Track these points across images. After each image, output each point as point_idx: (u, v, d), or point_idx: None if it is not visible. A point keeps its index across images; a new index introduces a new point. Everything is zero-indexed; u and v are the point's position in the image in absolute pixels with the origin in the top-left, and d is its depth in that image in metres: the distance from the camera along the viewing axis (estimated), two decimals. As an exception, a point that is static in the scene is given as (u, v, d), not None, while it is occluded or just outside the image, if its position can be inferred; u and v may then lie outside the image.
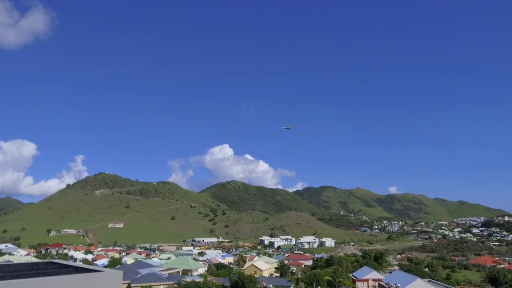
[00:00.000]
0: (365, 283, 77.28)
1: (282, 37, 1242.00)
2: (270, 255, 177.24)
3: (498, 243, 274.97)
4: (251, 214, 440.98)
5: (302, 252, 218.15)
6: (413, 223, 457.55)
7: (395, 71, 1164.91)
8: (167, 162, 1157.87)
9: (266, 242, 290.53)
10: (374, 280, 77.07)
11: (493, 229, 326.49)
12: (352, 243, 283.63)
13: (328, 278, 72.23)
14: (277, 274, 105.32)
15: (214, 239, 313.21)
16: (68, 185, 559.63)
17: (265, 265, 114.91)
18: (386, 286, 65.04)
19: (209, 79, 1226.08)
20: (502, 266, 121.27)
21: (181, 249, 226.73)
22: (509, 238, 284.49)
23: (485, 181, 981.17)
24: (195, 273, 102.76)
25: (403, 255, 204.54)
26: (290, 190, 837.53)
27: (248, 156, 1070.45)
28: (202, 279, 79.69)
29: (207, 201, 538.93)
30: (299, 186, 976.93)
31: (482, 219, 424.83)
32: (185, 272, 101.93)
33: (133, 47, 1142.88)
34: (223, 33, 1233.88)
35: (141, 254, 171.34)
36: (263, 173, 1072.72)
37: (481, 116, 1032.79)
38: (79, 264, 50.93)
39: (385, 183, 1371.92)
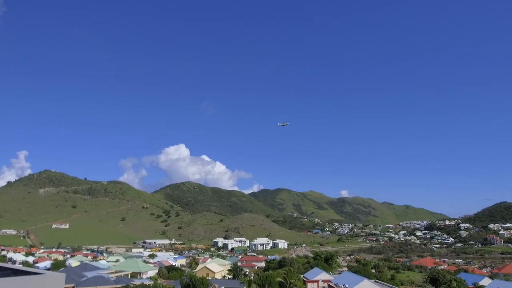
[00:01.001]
0: (315, 284, 79.01)
1: (246, 38, 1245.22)
2: (223, 257, 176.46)
3: (439, 245, 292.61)
4: (206, 215, 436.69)
5: (256, 254, 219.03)
6: (362, 225, 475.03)
7: (344, 77, 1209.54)
8: (118, 160, 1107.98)
9: (220, 244, 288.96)
10: (324, 281, 78.99)
11: (435, 232, 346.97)
12: (304, 245, 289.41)
13: (280, 279, 72.95)
14: (230, 276, 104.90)
15: (167, 241, 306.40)
16: (8, 183, 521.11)
17: (218, 267, 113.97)
18: (335, 286, 66.90)
19: (167, 75, 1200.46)
20: (442, 267, 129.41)
21: (131, 251, 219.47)
22: (449, 241, 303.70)
23: (429, 187, 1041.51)
24: (144, 276, 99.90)
25: (352, 256, 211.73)
26: (246, 192, 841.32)
27: (205, 157, 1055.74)
28: (152, 282, 77.61)
29: (160, 202, 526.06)
30: (255, 188, 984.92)
31: (425, 222, 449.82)
32: (134, 275, 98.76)
33: (86, 37, 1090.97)
34: (185, 28, 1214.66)
35: (87, 256, 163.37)
36: (219, 175, 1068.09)
37: (425, 126, 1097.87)
38: (18, 266, 47.43)
39: (337, 187, 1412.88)
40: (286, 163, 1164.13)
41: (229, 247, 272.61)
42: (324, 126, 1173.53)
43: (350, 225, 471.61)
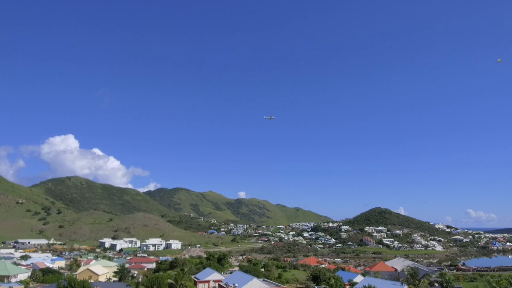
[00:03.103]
0: (206, 284, 78.55)
1: (148, 26, 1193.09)
2: (110, 259, 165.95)
3: (322, 246, 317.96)
4: (93, 214, 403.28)
5: (147, 255, 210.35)
6: (256, 226, 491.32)
7: (246, 81, 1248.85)
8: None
9: (107, 245, 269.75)
10: (215, 281, 79.03)
11: (320, 233, 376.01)
12: (198, 246, 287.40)
13: (170, 281, 70.37)
14: (116, 279, 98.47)
15: (44, 241, 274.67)
16: None
17: (102, 269, 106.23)
18: (225, 286, 67.21)
19: (58, 60, 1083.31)
20: (323, 265, 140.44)
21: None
22: (331, 242, 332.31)
23: (317, 191, 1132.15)
24: (14, 280, 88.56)
25: (244, 256, 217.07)
26: (141, 190, 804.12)
27: (97, 151, 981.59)
28: (23, 286, 68.89)
29: (39, 197, 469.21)
30: (152, 187, 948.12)
31: (312, 224, 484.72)
32: (2, 279, 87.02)
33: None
34: (86, 16, 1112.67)
35: None
36: (112, 171, 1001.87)
37: (313, 134, 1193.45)
38: None
39: (236, 188, 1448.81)
40: (186, 162, 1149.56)
41: (117, 248, 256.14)
42: (225, 128, 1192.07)
43: (245, 225, 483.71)
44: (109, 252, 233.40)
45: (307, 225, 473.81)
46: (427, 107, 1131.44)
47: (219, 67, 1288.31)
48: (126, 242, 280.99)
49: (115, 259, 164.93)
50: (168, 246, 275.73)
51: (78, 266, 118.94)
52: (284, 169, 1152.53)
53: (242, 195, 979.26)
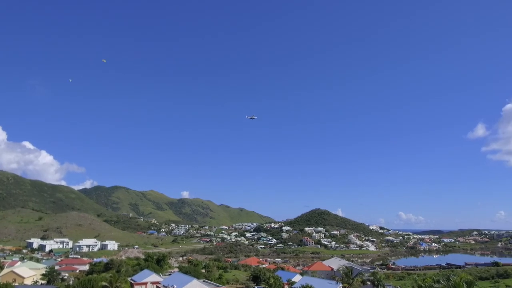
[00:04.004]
0: (143, 286, 75.95)
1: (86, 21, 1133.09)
2: (38, 260, 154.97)
3: (264, 246, 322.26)
4: (21, 212, 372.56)
5: (79, 256, 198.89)
6: (198, 226, 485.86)
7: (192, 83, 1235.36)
8: None
9: (36, 245, 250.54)
10: (153, 283, 76.62)
11: (262, 234, 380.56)
12: (136, 246, 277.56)
13: (104, 283, 66.93)
14: (44, 282, 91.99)
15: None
16: None
17: (28, 272, 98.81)
18: (164, 288, 65.37)
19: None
20: (264, 265, 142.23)
21: None
22: (272, 242, 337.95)
23: (260, 192, 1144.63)
24: None
25: (185, 257, 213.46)
26: (76, 187, 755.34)
27: (27, 144, 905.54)
28: None
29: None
30: (88, 184, 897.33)
31: (255, 224, 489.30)
32: None
33: None
34: None
35: None
36: (44, 166, 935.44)
37: (256, 137, 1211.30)
38: None
39: (179, 188, 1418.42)
40: (126, 159, 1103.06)
41: (47, 249, 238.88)
42: (168, 126, 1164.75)
43: (187, 226, 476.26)
44: (38, 253, 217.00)
45: (250, 226, 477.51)
46: (364, 112, 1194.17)
47: (160, 65, 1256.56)
48: (57, 242, 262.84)
49: (43, 261, 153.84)
50: (103, 247, 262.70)
51: (2, 268, 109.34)
52: (228, 169, 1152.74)
53: (185, 194, 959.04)
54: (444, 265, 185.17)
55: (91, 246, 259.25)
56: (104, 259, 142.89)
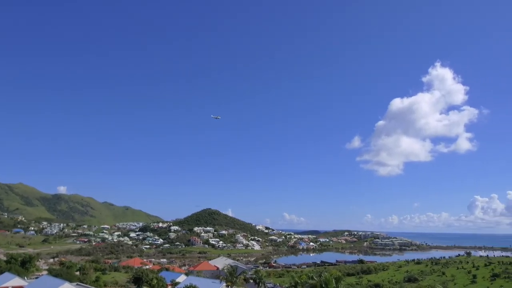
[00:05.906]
0: (2, 291, 66.46)
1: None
2: None
3: (149, 246, 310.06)
4: None
5: None
6: (75, 225, 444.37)
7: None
8: None
9: None
10: (15, 287, 68.00)
11: (148, 233, 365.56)
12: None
13: None
14: None
15: None
16: None
17: None
18: (28, 293, 58.02)
19: None
20: (147, 266, 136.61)
21: None
22: (159, 242, 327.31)
23: (148, 189, 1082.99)
24: None
25: (56, 259, 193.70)
26: None
27: None
28: None
29: None
30: None
31: (141, 224, 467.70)
32: None
33: None
34: None
35: None
36: None
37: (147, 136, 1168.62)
38: None
39: (55, 182, 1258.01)
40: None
41: None
42: (46, 115, 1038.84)
43: (62, 224, 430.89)
44: None
45: (135, 225, 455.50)
46: (255, 125, 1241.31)
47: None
48: None
49: None
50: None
51: None
52: (113, 164, 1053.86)
53: (62, 190, 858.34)
54: (319, 262, 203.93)
55: None
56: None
